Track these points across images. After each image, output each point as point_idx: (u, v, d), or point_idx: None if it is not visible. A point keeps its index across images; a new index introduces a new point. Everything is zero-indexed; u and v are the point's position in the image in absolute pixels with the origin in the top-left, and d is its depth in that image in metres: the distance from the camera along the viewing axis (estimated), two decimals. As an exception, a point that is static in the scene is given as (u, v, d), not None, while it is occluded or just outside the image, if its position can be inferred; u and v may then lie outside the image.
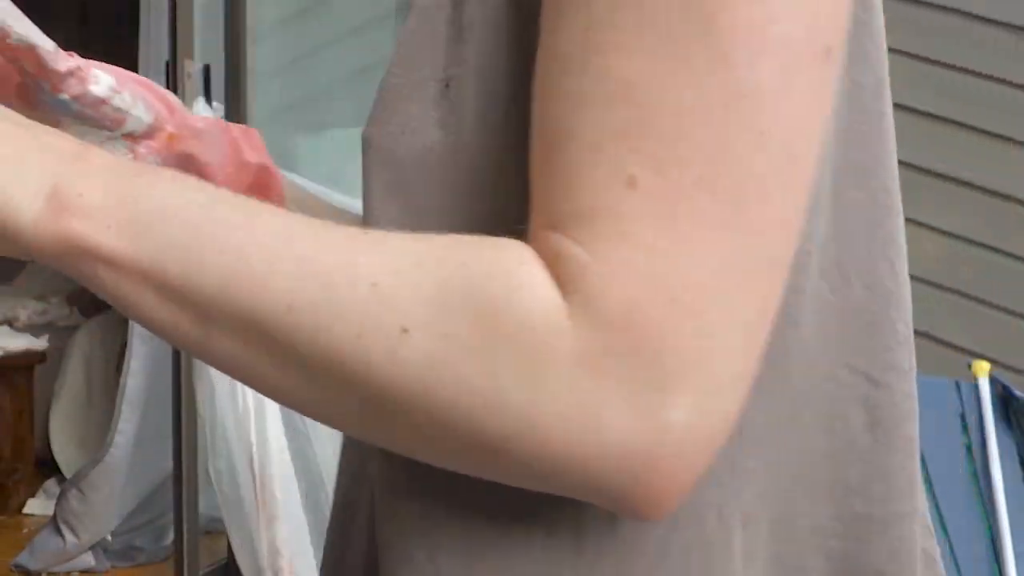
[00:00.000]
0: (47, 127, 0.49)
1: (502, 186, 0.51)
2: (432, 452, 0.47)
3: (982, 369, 2.65)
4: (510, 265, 0.45)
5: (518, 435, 0.43)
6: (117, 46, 5.74)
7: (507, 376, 0.43)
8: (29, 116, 0.50)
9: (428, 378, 0.44)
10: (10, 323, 4.51)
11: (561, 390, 0.43)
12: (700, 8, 0.43)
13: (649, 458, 0.43)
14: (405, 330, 0.44)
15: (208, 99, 2.40)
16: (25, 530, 3.65)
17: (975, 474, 2.57)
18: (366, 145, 0.54)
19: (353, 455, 0.63)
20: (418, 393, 0.44)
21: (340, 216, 0.74)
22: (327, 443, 2.40)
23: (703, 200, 0.43)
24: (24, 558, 3.17)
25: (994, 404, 2.61)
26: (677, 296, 0.42)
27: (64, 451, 4.09)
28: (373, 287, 0.44)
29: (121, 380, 3.11)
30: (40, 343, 4.01)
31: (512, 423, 0.43)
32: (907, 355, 0.57)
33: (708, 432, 0.43)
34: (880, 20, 0.59)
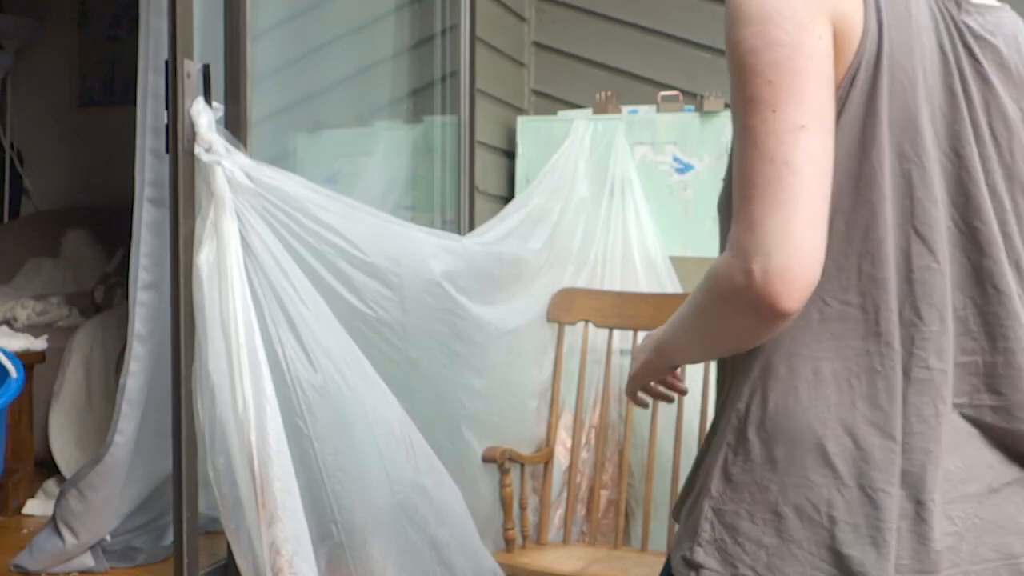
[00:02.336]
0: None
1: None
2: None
3: (982, 369, 2.64)
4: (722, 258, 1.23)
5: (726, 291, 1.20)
6: (117, 46, 5.75)
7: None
8: None
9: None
10: (9, 323, 4.51)
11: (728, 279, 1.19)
12: (744, 121, 1.19)
13: (762, 279, 1.15)
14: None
15: (208, 99, 2.40)
16: (24, 530, 3.65)
17: (975, 474, 2.56)
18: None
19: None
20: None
21: None
22: (327, 443, 2.40)
23: (755, 192, 1.16)
24: (23, 558, 3.16)
25: (994, 404, 2.60)
26: (751, 233, 1.16)
27: (64, 451, 4.08)
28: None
29: (121, 380, 3.10)
30: (39, 343, 4.00)
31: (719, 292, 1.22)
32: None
33: (784, 264, 1.14)
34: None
